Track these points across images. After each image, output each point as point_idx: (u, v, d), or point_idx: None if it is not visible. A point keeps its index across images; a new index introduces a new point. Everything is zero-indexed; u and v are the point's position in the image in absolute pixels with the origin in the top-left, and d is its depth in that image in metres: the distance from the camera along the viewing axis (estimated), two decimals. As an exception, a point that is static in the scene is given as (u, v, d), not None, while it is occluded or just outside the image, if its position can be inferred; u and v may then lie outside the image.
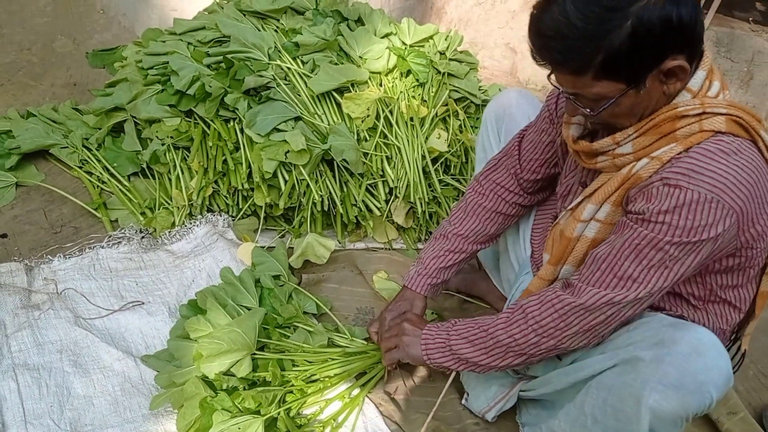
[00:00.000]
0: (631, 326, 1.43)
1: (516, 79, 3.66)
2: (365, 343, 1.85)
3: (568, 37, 1.21)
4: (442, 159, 2.43)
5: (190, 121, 2.34)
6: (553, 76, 1.33)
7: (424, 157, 2.34)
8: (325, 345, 1.82)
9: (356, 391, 1.76)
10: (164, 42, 2.46)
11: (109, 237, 2.15)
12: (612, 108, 1.30)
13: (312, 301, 1.98)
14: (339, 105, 2.34)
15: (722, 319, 1.53)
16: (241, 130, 2.24)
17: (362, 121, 2.31)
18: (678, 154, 1.28)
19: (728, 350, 1.55)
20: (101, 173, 2.36)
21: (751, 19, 3.73)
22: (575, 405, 1.49)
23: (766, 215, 1.33)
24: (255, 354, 1.73)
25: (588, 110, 1.33)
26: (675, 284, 1.36)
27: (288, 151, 2.14)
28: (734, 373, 1.38)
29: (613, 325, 1.38)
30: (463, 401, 1.83)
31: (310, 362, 1.75)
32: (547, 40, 1.24)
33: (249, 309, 1.86)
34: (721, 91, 1.34)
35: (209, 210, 2.30)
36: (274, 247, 2.23)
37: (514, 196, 1.79)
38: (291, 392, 1.66)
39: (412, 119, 2.38)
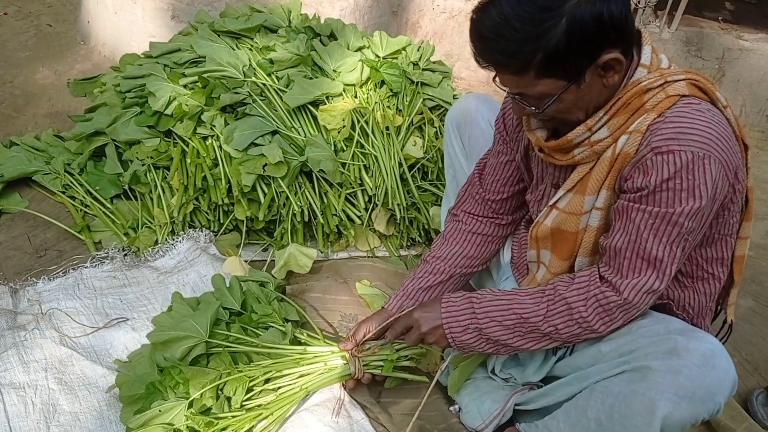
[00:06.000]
0: (633, 327, 1.45)
1: (493, 88, 3.69)
2: (333, 344, 1.84)
3: (507, 39, 1.25)
4: (419, 165, 2.46)
5: (168, 141, 2.37)
6: (498, 79, 1.37)
7: (401, 164, 2.38)
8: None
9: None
10: (141, 65, 2.51)
11: (93, 257, 2.17)
12: (556, 105, 1.35)
13: (294, 309, 1.98)
14: (315, 117, 2.38)
15: (708, 296, 1.57)
16: (219, 147, 2.27)
17: (338, 132, 2.34)
18: (654, 121, 1.33)
19: (713, 321, 1.61)
20: (84, 197, 2.39)
21: (720, 18, 3.80)
22: (576, 407, 1.49)
23: (740, 174, 1.38)
24: (210, 343, 1.76)
25: (533, 108, 1.37)
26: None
27: (266, 165, 2.18)
28: (723, 343, 1.41)
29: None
30: (451, 409, 1.83)
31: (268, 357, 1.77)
32: (488, 42, 1.29)
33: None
34: (671, 63, 1.40)
35: (191, 226, 2.32)
36: (258, 260, 2.26)
37: (488, 219, 1.84)
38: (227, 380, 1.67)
39: (387, 128, 2.42)
